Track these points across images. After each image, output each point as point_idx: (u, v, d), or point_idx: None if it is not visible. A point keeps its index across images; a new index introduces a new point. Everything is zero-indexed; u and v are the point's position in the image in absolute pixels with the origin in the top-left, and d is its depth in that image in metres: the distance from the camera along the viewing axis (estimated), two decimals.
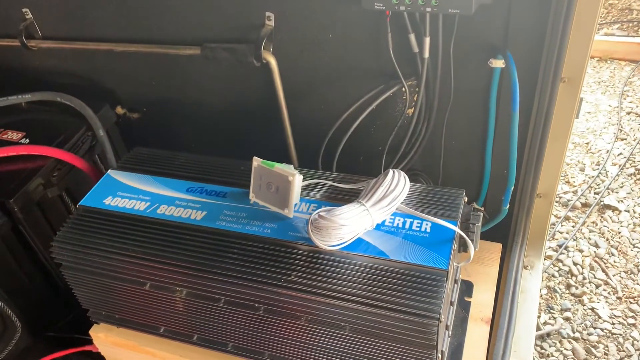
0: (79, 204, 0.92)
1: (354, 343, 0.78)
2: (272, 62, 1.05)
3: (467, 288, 1.00)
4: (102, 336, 1.01)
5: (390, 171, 0.82)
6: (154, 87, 1.24)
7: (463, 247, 0.83)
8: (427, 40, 0.92)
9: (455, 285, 0.90)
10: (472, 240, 0.81)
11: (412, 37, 0.93)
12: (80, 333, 1.08)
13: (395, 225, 0.82)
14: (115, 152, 1.18)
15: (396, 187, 0.81)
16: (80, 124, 1.17)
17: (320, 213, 0.77)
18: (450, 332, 0.87)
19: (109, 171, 0.98)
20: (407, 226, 0.81)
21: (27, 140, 1.13)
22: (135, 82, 1.25)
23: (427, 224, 0.81)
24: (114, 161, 1.12)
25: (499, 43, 0.91)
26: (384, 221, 0.82)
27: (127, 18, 1.14)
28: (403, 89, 1.00)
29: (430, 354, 0.74)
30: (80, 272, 0.90)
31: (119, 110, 1.31)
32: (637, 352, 1.39)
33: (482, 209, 1.10)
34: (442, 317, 0.72)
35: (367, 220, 0.79)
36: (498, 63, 0.91)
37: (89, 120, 1.16)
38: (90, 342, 1.06)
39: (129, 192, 0.93)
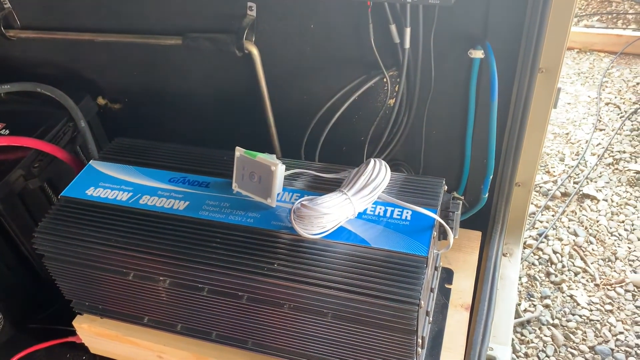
0: (61, 194, 0.92)
1: (336, 329, 0.79)
2: (254, 52, 1.05)
3: (447, 275, 1.01)
4: (85, 327, 1.01)
5: (372, 160, 0.83)
6: (136, 77, 1.24)
7: (443, 234, 0.85)
8: (408, 30, 0.93)
9: (436, 272, 0.91)
10: (451, 228, 0.83)
11: (393, 27, 0.94)
12: (64, 324, 1.08)
13: (376, 213, 0.83)
14: (97, 143, 1.17)
15: (377, 176, 0.82)
16: (61, 115, 1.16)
17: (302, 202, 0.78)
18: (430, 319, 0.89)
19: (91, 162, 0.98)
20: (388, 214, 0.83)
21: (7, 132, 1.11)
22: (116, 72, 1.24)
23: (407, 212, 0.82)
24: (95, 152, 1.11)
25: (479, 34, 0.92)
26: (365, 210, 0.83)
27: (107, 7, 1.13)
28: (384, 80, 1.01)
29: (411, 339, 0.75)
30: (63, 263, 0.90)
31: (100, 101, 1.30)
32: (614, 338, 1.42)
33: (462, 197, 1.11)
34: (422, 303, 0.73)
35: (348, 208, 0.80)
36: (477, 54, 0.92)
37: (70, 111, 1.15)
38: (73, 333, 1.06)
39: (111, 183, 0.93)
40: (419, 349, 0.79)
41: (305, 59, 1.06)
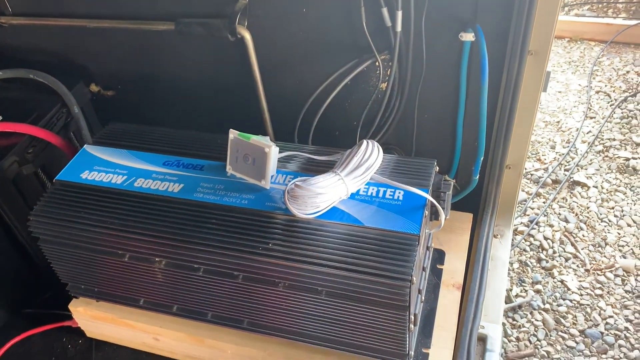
0: (56, 178, 0.92)
1: (331, 307, 0.80)
2: (247, 36, 1.05)
3: (439, 256, 1.03)
4: (81, 310, 1.02)
5: (364, 141, 0.84)
6: (128, 63, 1.24)
7: (434, 215, 0.86)
8: (400, 14, 0.94)
9: (428, 252, 0.93)
10: (443, 208, 0.84)
11: (385, 11, 0.95)
12: (59, 310, 1.08)
13: (369, 194, 0.84)
14: (91, 130, 1.17)
15: (370, 156, 0.83)
16: (54, 101, 1.16)
17: (296, 182, 0.79)
18: (423, 297, 0.90)
19: (85, 146, 0.98)
20: (380, 195, 0.84)
21: (0, 118, 1.12)
22: (109, 59, 1.24)
23: (399, 192, 0.84)
24: (89, 138, 1.11)
25: (469, 17, 0.93)
26: (358, 191, 0.85)
27: None
28: (377, 63, 1.02)
29: (403, 315, 0.77)
30: (59, 246, 0.91)
31: (93, 87, 1.30)
32: (604, 321, 1.45)
33: (454, 180, 1.13)
34: (414, 279, 0.74)
35: (342, 189, 0.81)
36: (468, 36, 0.93)
37: (63, 97, 1.15)
38: (69, 317, 1.06)
39: (106, 166, 0.94)
40: (412, 326, 0.80)
41: (297, 43, 1.06)
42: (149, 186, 0.89)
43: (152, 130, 1.01)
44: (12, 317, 1.15)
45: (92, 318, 1.02)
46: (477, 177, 1.07)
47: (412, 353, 0.87)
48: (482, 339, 0.96)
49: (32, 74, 1.17)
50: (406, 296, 0.74)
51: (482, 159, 1.04)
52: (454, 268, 1.01)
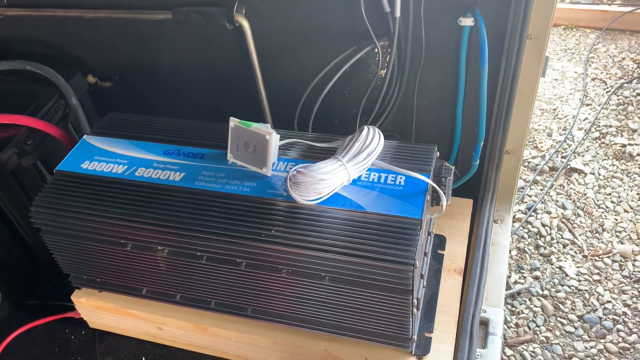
0: (56, 169, 0.92)
1: (334, 292, 0.81)
2: (245, 24, 1.05)
3: (440, 242, 1.03)
4: (83, 301, 1.02)
5: (365, 127, 0.84)
6: (126, 54, 1.23)
7: (436, 200, 0.86)
8: None
9: (429, 237, 0.93)
10: (444, 193, 0.84)
11: None
12: (61, 300, 1.08)
13: (370, 180, 0.84)
14: (89, 121, 1.17)
15: (371, 142, 0.83)
16: (52, 93, 1.15)
17: (298, 169, 0.79)
18: (425, 282, 0.91)
19: (85, 136, 0.98)
20: (382, 180, 0.84)
21: None
22: (106, 49, 1.24)
23: (401, 178, 0.84)
24: (88, 129, 1.11)
25: (468, 1, 0.93)
26: (359, 176, 0.85)
27: None
28: (376, 50, 1.02)
29: (407, 299, 0.77)
30: (61, 236, 0.90)
31: (90, 79, 1.29)
32: (602, 307, 1.46)
33: (454, 167, 1.13)
34: (417, 263, 0.75)
35: (343, 175, 0.81)
36: (467, 21, 0.93)
37: (61, 89, 1.15)
38: (71, 308, 1.06)
39: (106, 156, 0.93)
40: (415, 310, 0.81)
41: (296, 31, 1.06)
42: (150, 175, 0.89)
43: (152, 119, 1.01)
44: (14, 309, 1.15)
45: (94, 308, 1.02)
46: (477, 162, 1.07)
47: (415, 337, 0.87)
48: (484, 323, 0.97)
49: (30, 65, 1.16)
50: (409, 280, 0.74)
51: (482, 144, 1.04)
52: (455, 253, 1.01)
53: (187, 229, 0.82)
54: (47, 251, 0.96)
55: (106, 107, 1.24)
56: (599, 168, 1.85)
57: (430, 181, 0.82)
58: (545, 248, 1.62)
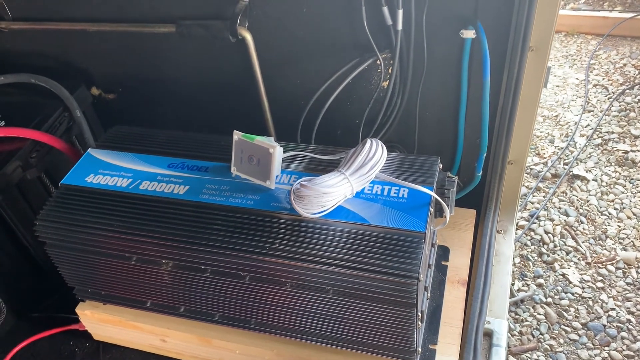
0: (61, 182, 0.93)
1: (338, 306, 0.81)
2: (248, 37, 1.06)
3: (443, 253, 1.03)
4: (88, 313, 1.02)
5: (368, 140, 0.84)
6: (129, 66, 1.24)
7: (439, 212, 0.86)
8: (400, 12, 0.94)
9: (433, 249, 0.93)
10: (447, 205, 0.84)
11: (386, 9, 0.95)
12: (65, 313, 1.09)
13: (374, 192, 0.85)
14: (93, 133, 1.17)
15: (374, 155, 0.83)
16: (56, 106, 1.16)
17: (302, 182, 0.79)
18: (429, 294, 0.91)
19: (89, 150, 0.99)
20: (385, 193, 0.84)
21: (3, 123, 1.12)
22: (110, 62, 1.25)
23: (404, 190, 0.84)
24: (92, 141, 1.12)
25: (470, 14, 0.94)
26: (363, 189, 0.85)
27: None
28: (378, 62, 1.03)
29: (411, 312, 0.77)
30: (66, 250, 0.91)
31: (94, 91, 1.30)
32: (606, 314, 1.46)
33: (456, 177, 1.13)
34: (421, 276, 0.75)
35: (347, 188, 0.81)
36: (469, 34, 0.94)
37: (65, 101, 1.15)
38: (76, 320, 1.07)
39: (111, 170, 0.94)
40: (419, 322, 0.81)
41: (298, 43, 1.07)
42: (155, 189, 0.89)
43: (156, 132, 1.01)
44: (18, 322, 1.15)
45: (99, 321, 1.03)
46: (480, 173, 1.08)
47: (420, 349, 0.87)
48: (488, 334, 0.97)
49: (34, 78, 1.17)
50: (413, 293, 0.75)
51: (485, 155, 1.04)
52: (458, 264, 1.01)
53: (191, 242, 0.82)
54: (52, 264, 0.96)
55: (110, 120, 1.25)
56: (602, 175, 1.85)
57: (433, 193, 0.82)
58: (548, 255, 1.62)
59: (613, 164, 1.88)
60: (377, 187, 0.85)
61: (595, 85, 2.22)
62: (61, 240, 0.90)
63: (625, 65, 2.29)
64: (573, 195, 1.80)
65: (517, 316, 1.48)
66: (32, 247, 1.13)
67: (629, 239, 1.63)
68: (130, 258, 0.87)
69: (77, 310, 1.03)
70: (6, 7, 1.21)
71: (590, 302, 1.49)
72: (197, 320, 0.95)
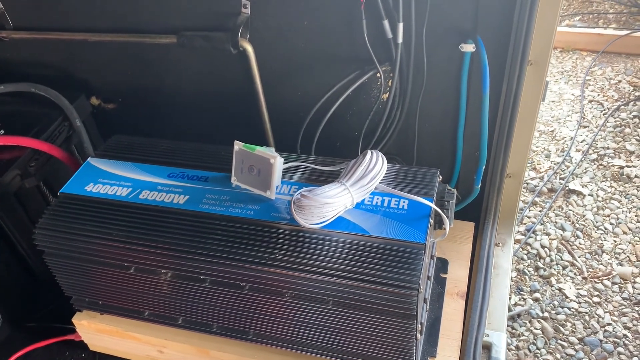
0: (60, 191, 0.92)
1: (338, 317, 0.81)
2: (249, 49, 1.06)
3: (442, 265, 1.04)
4: (85, 323, 1.01)
5: (369, 152, 0.85)
6: (130, 77, 1.24)
7: (438, 224, 0.87)
8: (401, 26, 0.96)
9: (432, 261, 0.93)
10: (446, 217, 0.85)
11: (386, 23, 0.96)
12: (62, 323, 1.08)
13: (374, 203, 0.85)
14: (92, 143, 1.17)
15: (375, 166, 0.84)
16: (56, 115, 1.16)
17: (302, 192, 0.79)
18: (428, 306, 0.91)
19: (89, 159, 0.99)
20: (385, 204, 0.84)
21: (2, 132, 1.12)
22: (110, 72, 1.25)
23: (404, 202, 0.84)
24: (91, 151, 1.12)
25: (469, 28, 0.95)
26: (363, 200, 0.85)
27: (101, 7, 1.13)
28: (378, 75, 1.03)
29: (411, 324, 0.77)
30: (64, 259, 0.90)
31: (94, 101, 1.30)
32: (603, 329, 1.45)
33: (455, 190, 1.14)
34: (421, 288, 0.75)
35: (347, 199, 0.82)
36: (468, 47, 0.95)
37: (65, 111, 1.15)
38: (72, 331, 1.06)
39: (110, 179, 0.94)
40: (419, 335, 0.81)
41: (299, 56, 1.07)
42: (154, 198, 0.89)
43: (156, 142, 1.01)
44: (14, 331, 1.14)
45: (96, 331, 1.02)
46: (479, 186, 1.08)
47: None
48: (487, 347, 0.96)
49: (34, 87, 1.17)
50: (413, 305, 0.75)
51: (483, 167, 1.05)
52: (457, 277, 1.01)
53: (190, 252, 0.82)
54: (48, 273, 0.96)
55: (109, 129, 1.24)
56: (598, 190, 1.86)
57: (433, 205, 0.83)
58: (544, 270, 1.62)
59: (609, 179, 1.89)
60: (377, 198, 0.85)
61: (590, 101, 2.24)
62: (60, 249, 0.89)
63: (620, 81, 2.31)
64: (569, 209, 1.80)
65: (513, 330, 1.48)
66: (28, 257, 1.13)
67: (625, 254, 1.63)
68: (129, 267, 0.87)
69: (74, 320, 1.02)
70: (7, 16, 1.21)
71: (587, 317, 1.49)
72: (195, 331, 0.94)
